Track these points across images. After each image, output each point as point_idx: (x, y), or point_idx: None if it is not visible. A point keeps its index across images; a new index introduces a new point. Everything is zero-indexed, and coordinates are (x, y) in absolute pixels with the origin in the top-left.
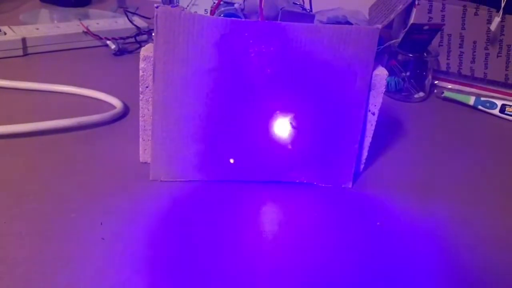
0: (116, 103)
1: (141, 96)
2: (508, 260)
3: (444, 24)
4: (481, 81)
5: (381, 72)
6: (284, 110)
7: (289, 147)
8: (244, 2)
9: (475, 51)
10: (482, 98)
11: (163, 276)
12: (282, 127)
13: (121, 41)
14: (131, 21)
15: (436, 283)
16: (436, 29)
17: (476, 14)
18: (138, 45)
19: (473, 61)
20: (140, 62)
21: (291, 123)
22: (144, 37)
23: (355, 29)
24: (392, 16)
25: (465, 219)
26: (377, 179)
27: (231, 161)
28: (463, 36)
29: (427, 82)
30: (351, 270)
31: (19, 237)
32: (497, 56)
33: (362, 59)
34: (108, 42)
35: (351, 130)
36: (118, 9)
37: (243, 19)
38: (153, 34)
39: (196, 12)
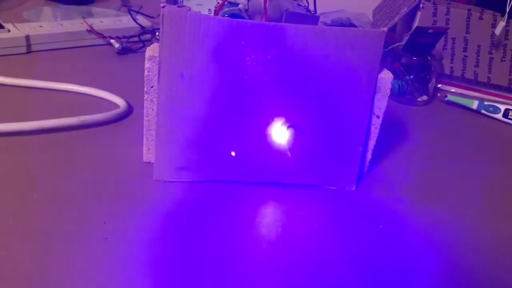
0: (120, 102)
1: (145, 96)
2: (509, 264)
3: (448, 28)
4: (485, 85)
5: (386, 75)
6: (286, 114)
7: (288, 153)
8: (248, 2)
9: (479, 55)
10: (486, 103)
11: (165, 276)
12: (284, 131)
13: (125, 40)
14: (135, 20)
15: (437, 286)
16: (440, 32)
17: (480, 18)
18: (142, 44)
19: (477, 65)
20: (146, 62)
21: (292, 126)
22: (148, 36)
23: (361, 31)
24: (396, 19)
25: (467, 222)
26: (380, 182)
27: (233, 154)
28: (467, 40)
29: (431, 85)
30: (353, 273)
31: (21, 236)
32: (501, 61)
33: (368, 61)
34: (111, 40)
35: (356, 133)
36: (122, 7)
37: (248, 21)
38: (157, 33)
39: (200, 12)
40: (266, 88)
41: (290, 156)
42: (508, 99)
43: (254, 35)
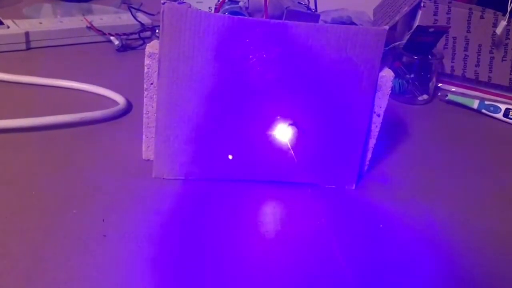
0: (119, 99)
1: (145, 93)
2: (509, 263)
3: (449, 27)
4: (485, 85)
5: (387, 74)
6: (287, 112)
7: (291, 151)
8: (248, 0)
9: (480, 55)
10: (486, 102)
11: (164, 274)
12: (285, 129)
13: (125, 37)
14: (135, 17)
15: (437, 285)
16: (441, 31)
17: (482, 17)
18: (141, 42)
19: (477, 65)
20: (146, 59)
21: (293, 125)
22: (148, 33)
23: (363, 29)
24: (397, 18)
25: (467, 221)
26: (380, 181)
27: (230, 157)
28: (468, 39)
29: (431, 84)
30: (353, 272)
31: (20, 233)
32: (502, 60)
33: (369, 60)
34: (111, 38)
35: (356, 131)
36: (121, 5)
37: (248, 18)
38: (157, 30)
39: (199, 9)
40: (267, 86)
41: (293, 154)
42: (508, 99)
43: (258, 33)
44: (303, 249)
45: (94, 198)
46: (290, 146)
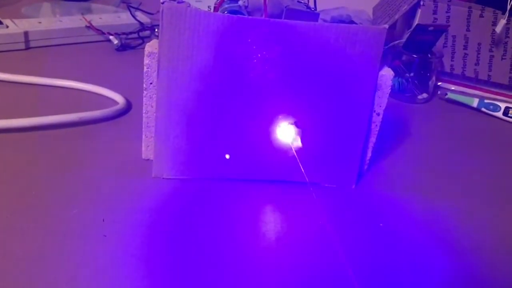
0: (119, 99)
1: (145, 92)
2: (509, 261)
3: (449, 25)
4: (485, 83)
5: (387, 73)
6: (288, 111)
7: (293, 150)
8: None
9: (479, 53)
10: (486, 101)
11: (164, 274)
12: (286, 128)
13: (124, 36)
14: (134, 17)
15: (438, 285)
16: (441, 30)
17: (481, 15)
18: (141, 41)
19: (477, 63)
20: (145, 58)
21: (294, 124)
22: (147, 33)
23: (362, 28)
24: (396, 17)
25: (467, 220)
26: (380, 180)
27: (227, 156)
28: (467, 37)
29: (431, 83)
30: (352, 271)
31: (20, 232)
32: (502, 59)
33: (368, 59)
34: (110, 37)
35: (356, 130)
36: (121, 4)
37: (248, 17)
38: (156, 30)
39: (199, 8)
40: (267, 85)
41: (295, 153)
42: (508, 97)
43: (258, 32)
44: (303, 248)
45: (94, 198)
46: (292, 146)
